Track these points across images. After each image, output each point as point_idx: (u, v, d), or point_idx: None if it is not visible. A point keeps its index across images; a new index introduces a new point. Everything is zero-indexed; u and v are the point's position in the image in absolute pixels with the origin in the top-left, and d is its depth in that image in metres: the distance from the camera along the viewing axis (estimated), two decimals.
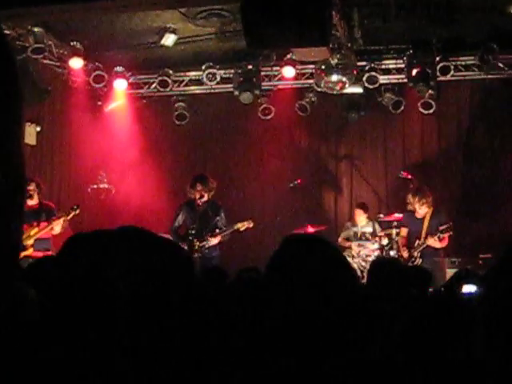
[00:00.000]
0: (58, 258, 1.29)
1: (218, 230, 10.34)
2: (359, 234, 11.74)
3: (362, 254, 11.25)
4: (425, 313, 2.73)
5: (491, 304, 1.62)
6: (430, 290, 6.92)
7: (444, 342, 2.52)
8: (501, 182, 12.65)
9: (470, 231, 11.95)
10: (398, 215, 11.24)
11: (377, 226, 11.77)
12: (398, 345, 2.57)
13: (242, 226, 10.46)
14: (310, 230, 11.66)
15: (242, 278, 3.15)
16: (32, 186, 10.02)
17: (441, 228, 10.19)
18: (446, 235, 10.25)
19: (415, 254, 10.33)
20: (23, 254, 9.63)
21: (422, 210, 10.48)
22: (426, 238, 10.31)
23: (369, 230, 11.79)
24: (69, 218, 9.93)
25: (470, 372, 2.28)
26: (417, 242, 10.42)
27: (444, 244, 10.36)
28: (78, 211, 9.93)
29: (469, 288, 6.69)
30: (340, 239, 11.94)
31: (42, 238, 9.78)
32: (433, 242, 10.26)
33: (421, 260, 10.24)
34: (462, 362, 2.41)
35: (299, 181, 12.26)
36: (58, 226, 9.88)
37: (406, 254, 10.47)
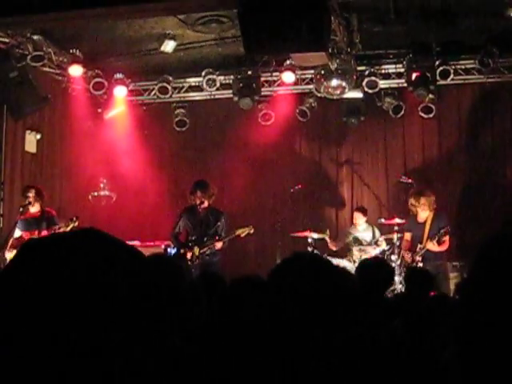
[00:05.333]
0: (7, 268, 1.25)
1: (217, 237, 10.34)
2: (360, 239, 11.73)
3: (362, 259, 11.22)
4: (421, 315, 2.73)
5: (463, 316, 1.60)
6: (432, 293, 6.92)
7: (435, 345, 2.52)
8: (502, 185, 12.62)
9: (472, 235, 11.92)
10: (398, 220, 11.23)
11: (376, 231, 11.77)
12: (393, 349, 2.57)
13: (243, 232, 10.47)
14: (309, 234, 11.66)
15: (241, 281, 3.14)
16: (32, 193, 10.05)
17: (440, 232, 10.23)
18: (446, 238, 10.25)
19: (417, 258, 10.34)
20: None
21: (423, 213, 10.51)
22: (426, 242, 10.33)
23: (368, 234, 11.79)
24: (68, 229, 9.91)
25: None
26: (418, 246, 10.44)
27: (444, 248, 10.37)
28: (76, 223, 9.92)
29: None
30: (339, 247, 11.95)
31: None
32: (431, 246, 10.29)
33: (422, 264, 10.23)
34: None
35: (300, 186, 12.27)
36: None
37: (408, 258, 10.48)
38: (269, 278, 2.11)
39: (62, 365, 1.12)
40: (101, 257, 1.23)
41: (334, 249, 11.92)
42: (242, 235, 10.50)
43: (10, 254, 9.86)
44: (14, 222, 10.15)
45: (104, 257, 1.23)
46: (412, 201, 10.60)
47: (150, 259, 1.31)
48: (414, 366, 2.56)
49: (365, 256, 11.03)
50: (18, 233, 10.03)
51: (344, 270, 2.20)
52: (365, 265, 6.49)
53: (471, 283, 1.61)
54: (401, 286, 10.08)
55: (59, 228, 9.92)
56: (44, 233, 9.85)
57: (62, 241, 1.26)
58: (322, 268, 2.10)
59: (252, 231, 10.55)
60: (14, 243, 9.89)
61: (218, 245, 10.28)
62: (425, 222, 10.53)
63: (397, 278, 10.48)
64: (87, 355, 1.12)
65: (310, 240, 11.63)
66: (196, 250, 10.15)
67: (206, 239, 10.26)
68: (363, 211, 12.04)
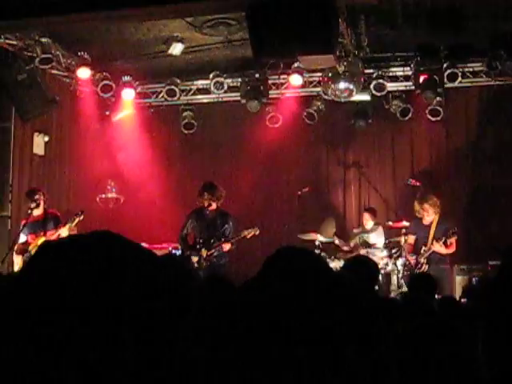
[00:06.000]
0: (24, 272, 1.26)
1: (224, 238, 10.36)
2: (367, 241, 11.73)
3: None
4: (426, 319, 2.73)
5: (492, 317, 1.61)
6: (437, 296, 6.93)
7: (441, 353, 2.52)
8: (510, 188, 12.59)
9: (479, 238, 11.91)
10: (406, 222, 11.22)
11: (381, 234, 11.76)
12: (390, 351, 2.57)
13: (249, 233, 10.50)
14: (316, 236, 11.66)
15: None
16: (39, 195, 10.07)
17: (448, 233, 10.20)
18: (453, 240, 10.23)
19: (422, 260, 10.34)
20: None
21: (429, 216, 10.50)
22: (432, 244, 10.31)
23: (374, 237, 11.79)
24: (74, 224, 9.94)
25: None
26: (423, 248, 10.42)
27: (451, 250, 10.34)
28: (82, 217, 9.94)
29: None
30: (348, 247, 11.95)
31: None
32: (439, 248, 10.26)
33: (427, 266, 10.24)
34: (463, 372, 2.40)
35: (308, 188, 12.26)
36: (64, 234, 9.92)
37: (412, 261, 10.48)
38: (252, 281, 2.09)
39: (73, 362, 1.13)
40: (117, 257, 1.24)
41: (346, 248, 11.91)
42: (248, 236, 10.52)
43: (17, 259, 9.89)
44: (21, 224, 10.16)
45: (120, 257, 1.24)
46: (416, 206, 10.60)
47: (163, 260, 1.32)
48: (416, 369, 2.56)
49: (372, 259, 11.02)
50: (23, 237, 10.03)
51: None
52: (347, 264, 6.47)
53: (502, 283, 1.62)
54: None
55: (65, 223, 9.94)
56: (51, 233, 9.87)
57: (80, 242, 1.27)
58: (310, 265, 2.08)
59: (258, 232, 10.58)
60: (19, 248, 9.92)
61: (226, 246, 10.30)
62: (430, 225, 10.51)
63: (402, 281, 10.52)
64: (98, 352, 1.14)
65: (317, 243, 11.62)
66: (204, 252, 10.17)
67: (213, 241, 10.28)
68: (372, 212, 12.05)
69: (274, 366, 1.76)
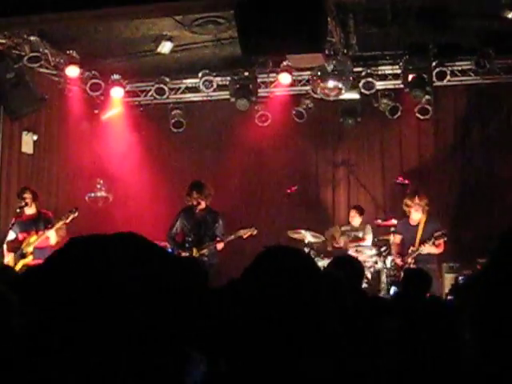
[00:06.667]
0: (55, 263, 1.27)
1: (218, 237, 10.34)
2: (355, 239, 11.75)
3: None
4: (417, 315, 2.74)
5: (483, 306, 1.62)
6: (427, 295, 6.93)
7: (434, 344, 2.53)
8: (497, 186, 12.64)
9: (468, 236, 11.95)
10: (394, 221, 11.26)
11: (370, 232, 11.78)
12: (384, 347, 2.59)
13: (245, 233, 10.49)
14: (305, 234, 11.66)
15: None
16: (27, 194, 10.08)
17: (435, 234, 10.18)
18: (441, 241, 10.24)
19: (409, 260, 10.31)
20: (23, 262, 9.69)
21: (416, 215, 10.47)
22: (420, 244, 10.28)
23: (361, 233, 11.82)
24: (68, 220, 9.96)
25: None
26: (411, 248, 10.39)
27: (440, 250, 10.35)
28: (76, 213, 9.95)
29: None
30: (337, 245, 11.95)
31: (40, 247, 9.84)
32: (428, 248, 10.23)
33: (414, 267, 10.15)
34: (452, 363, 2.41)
35: (295, 188, 12.20)
36: (53, 235, 9.93)
37: (399, 261, 10.47)
38: (241, 279, 2.10)
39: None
40: (139, 256, 1.25)
41: (340, 245, 11.90)
42: (245, 236, 10.52)
43: (8, 257, 9.87)
44: (10, 223, 10.15)
45: (143, 257, 1.25)
46: (407, 201, 10.54)
47: (183, 261, 1.34)
48: (411, 365, 2.57)
49: (361, 257, 11.04)
50: (12, 235, 10.02)
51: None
52: (333, 263, 6.43)
53: (495, 272, 1.63)
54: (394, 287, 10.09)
55: (59, 219, 9.95)
56: (41, 232, 9.88)
57: (104, 240, 1.29)
58: (299, 265, 2.08)
59: (255, 232, 10.56)
60: (8, 245, 9.90)
61: (220, 245, 10.30)
62: (417, 225, 10.48)
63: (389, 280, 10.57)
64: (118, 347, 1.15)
65: (306, 241, 11.63)
66: (194, 251, 10.16)
67: (205, 240, 10.28)
68: (359, 210, 12.05)
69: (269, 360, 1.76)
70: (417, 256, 10.29)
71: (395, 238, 10.82)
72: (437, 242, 10.20)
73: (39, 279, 1.24)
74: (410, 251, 10.38)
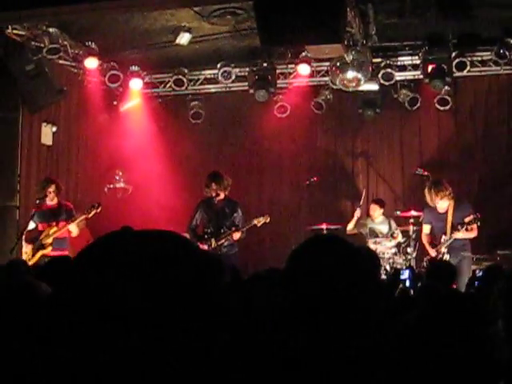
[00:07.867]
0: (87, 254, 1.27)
1: (234, 227, 10.35)
2: (376, 231, 11.68)
3: (378, 252, 11.11)
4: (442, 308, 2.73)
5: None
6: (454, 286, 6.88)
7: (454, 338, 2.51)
8: None
9: (488, 227, 11.87)
10: (414, 212, 11.15)
11: (393, 223, 11.69)
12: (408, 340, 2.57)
13: (259, 221, 10.49)
14: (325, 227, 11.65)
15: (258, 276, 3.14)
16: (52, 188, 10.14)
17: (466, 220, 9.88)
18: (474, 226, 9.94)
19: (442, 249, 10.02)
20: (41, 252, 9.74)
21: (443, 203, 10.16)
22: (452, 232, 9.99)
23: (384, 227, 11.72)
24: (90, 215, 9.99)
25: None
26: (443, 237, 10.08)
27: (474, 233, 10.05)
28: (99, 209, 9.95)
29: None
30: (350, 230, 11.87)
31: (59, 237, 9.90)
32: (461, 235, 9.94)
33: (448, 256, 9.88)
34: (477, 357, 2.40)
35: (316, 178, 12.21)
36: (75, 228, 9.99)
37: (432, 252, 10.15)
38: (287, 263, 2.11)
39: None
40: (174, 253, 1.25)
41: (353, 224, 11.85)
42: (259, 225, 10.52)
43: (26, 248, 9.93)
44: (30, 214, 10.21)
45: (178, 254, 1.26)
46: (429, 193, 10.24)
47: (213, 258, 1.35)
48: (426, 358, 2.56)
49: (380, 248, 11.00)
50: (32, 225, 10.07)
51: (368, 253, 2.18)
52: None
53: None
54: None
55: (81, 214, 10.01)
56: (62, 224, 9.93)
57: (142, 237, 1.28)
58: (346, 251, 2.10)
59: (268, 220, 10.56)
60: (27, 236, 9.96)
61: (236, 235, 10.28)
62: (446, 212, 10.17)
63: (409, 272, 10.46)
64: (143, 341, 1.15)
65: (324, 231, 11.62)
66: (213, 241, 10.17)
67: (222, 230, 10.29)
68: (380, 203, 11.92)
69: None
70: (450, 244, 10.00)
71: (424, 229, 10.54)
72: (469, 227, 9.91)
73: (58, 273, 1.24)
74: (442, 240, 10.09)
